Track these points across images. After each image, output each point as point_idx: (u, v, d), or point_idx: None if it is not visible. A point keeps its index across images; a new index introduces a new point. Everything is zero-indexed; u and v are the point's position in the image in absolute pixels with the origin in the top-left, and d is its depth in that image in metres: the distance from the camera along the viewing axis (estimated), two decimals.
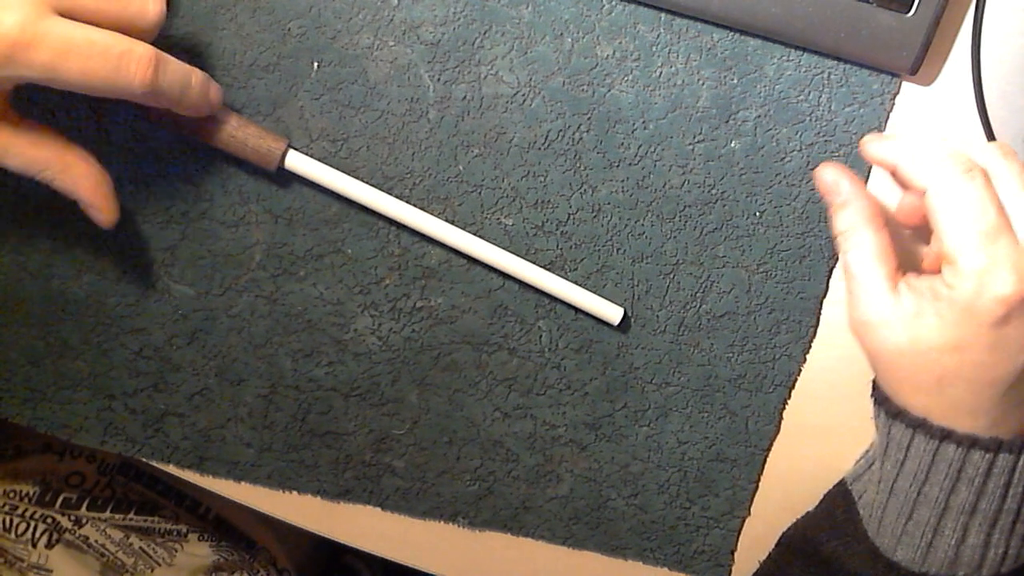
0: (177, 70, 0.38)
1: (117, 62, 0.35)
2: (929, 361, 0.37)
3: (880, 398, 0.41)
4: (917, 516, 0.39)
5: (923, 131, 0.45)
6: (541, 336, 0.46)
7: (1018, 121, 0.44)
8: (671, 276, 0.45)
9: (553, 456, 0.48)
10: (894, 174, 0.40)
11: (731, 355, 0.46)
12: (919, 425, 0.39)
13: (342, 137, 0.44)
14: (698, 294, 0.46)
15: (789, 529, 0.47)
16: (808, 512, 0.46)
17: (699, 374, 0.47)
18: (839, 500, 0.44)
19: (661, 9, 0.43)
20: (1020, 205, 0.37)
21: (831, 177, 0.40)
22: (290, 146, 0.43)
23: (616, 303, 0.45)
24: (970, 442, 0.38)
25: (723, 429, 0.47)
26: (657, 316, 0.46)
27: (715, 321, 0.46)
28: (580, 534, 0.49)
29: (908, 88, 0.44)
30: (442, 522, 0.49)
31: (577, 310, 0.46)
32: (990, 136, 0.44)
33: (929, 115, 0.44)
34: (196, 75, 0.39)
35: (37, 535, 0.60)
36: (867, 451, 0.45)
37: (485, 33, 0.43)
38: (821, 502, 0.46)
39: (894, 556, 0.40)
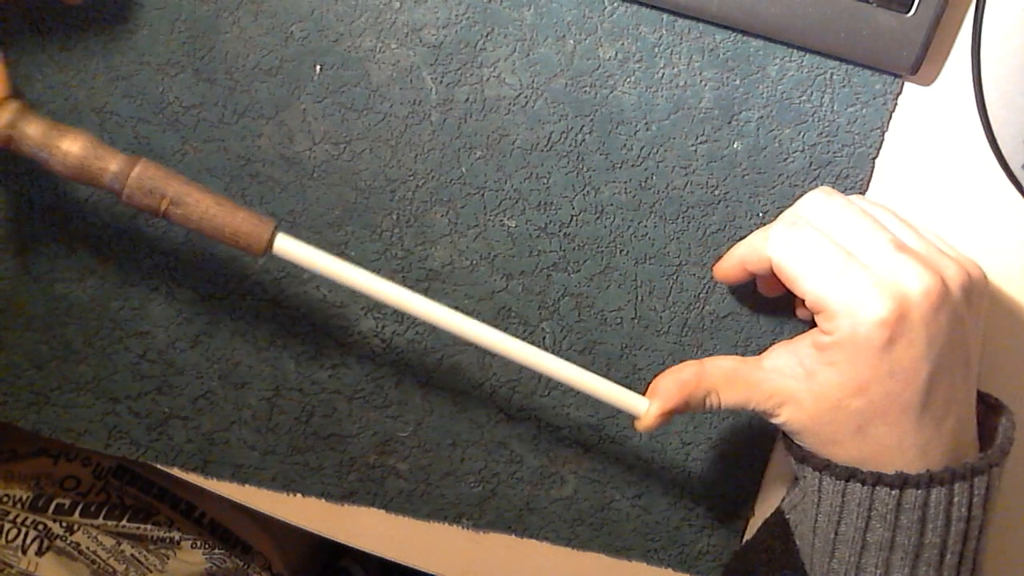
0: None
1: None
2: (841, 414, 0.38)
3: (787, 445, 0.41)
4: (839, 554, 0.39)
5: (923, 131, 0.45)
6: (545, 338, 0.46)
7: (1018, 121, 0.44)
8: (674, 277, 0.45)
9: (557, 458, 0.48)
10: (747, 272, 0.42)
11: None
12: (825, 467, 0.39)
13: (344, 140, 0.44)
14: (701, 295, 0.46)
15: (732, 560, 0.47)
16: (748, 541, 0.46)
17: None
18: (777, 531, 0.43)
19: (663, 9, 0.43)
20: (851, 231, 0.38)
21: (666, 411, 0.39)
22: (276, 229, 0.38)
23: (621, 304, 0.45)
24: (874, 479, 0.37)
25: (726, 430, 0.47)
26: (660, 317, 0.46)
27: (718, 322, 0.46)
28: (584, 535, 0.49)
29: (908, 88, 0.44)
30: (446, 524, 0.49)
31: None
32: (990, 136, 0.44)
33: (929, 115, 0.44)
34: None
35: (27, 542, 0.60)
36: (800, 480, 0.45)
37: (487, 35, 0.43)
38: (759, 531, 0.45)
39: None
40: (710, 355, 0.46)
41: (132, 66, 0.43)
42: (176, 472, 0.48)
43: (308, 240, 0.45)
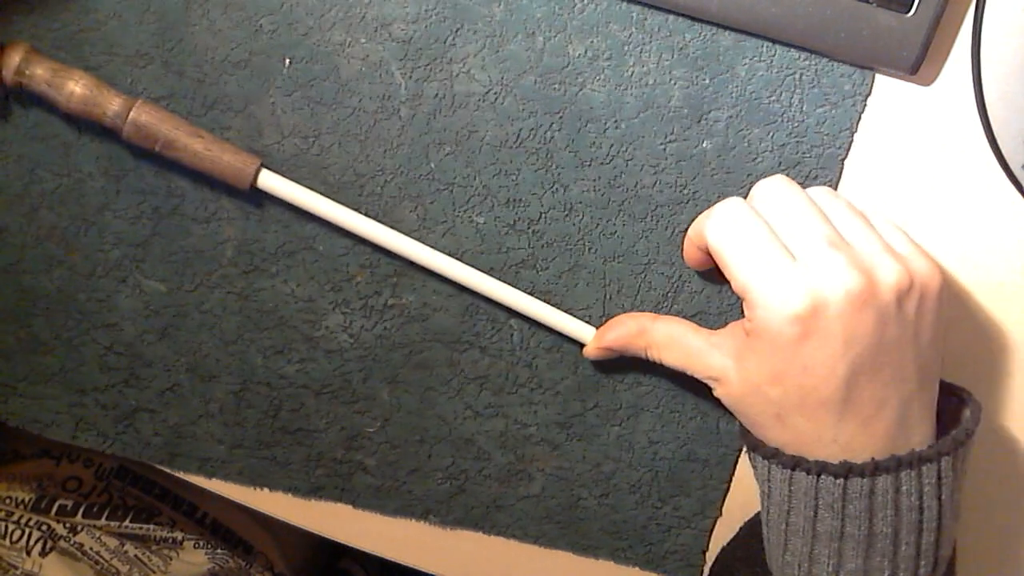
0: None
1: None
2: (761, 399, 0.38)
3: (741, 432, 0.42)
4: (791, 546, 0.39)
5: (923, 131, 0.44)
6: (513, 335, 0.46)
7: (1018, 121, 0.44)
8: (643, 276, 0.45)
9: (525, 455, 0.48)
10: (700, 252, 0.42)
11: None
12: (773, 456, 0.39)
13: (313, 134, 0.44)
14: (670, 294, 0.46)
15: (715, 560, 0.47)
16: (731, 540, 0.46)
17: (671, 374, 0.47)
18: (757, 530, 0.43)
19: (664, 9, 0.42)
20: (791, 222, 0.38)
21: (599, 349, 0.44)
22: (263, 165, 0.43)
23: (589, 303, 0.45)
24: (819, 468, 0.37)
25: (695, 429, 0.47)
26: None
27: (688, 320, 0.46)
28: (552, 533, 0.49)
29: (908, 88, 0.44)
30: (413, 520, 0.49)
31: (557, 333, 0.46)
32: (990, 136, 0.44)
33: (929, 115, 0.44)
34: None
35: (31, 542, 0.60)
36: None
37: (457, 31, 0.43)
38: (740, 531, 0.45)
39: None
40: None
41: (101, 57, 0.43)
42: (145, 461, 0.48)
43: (276, 233, 0.45)
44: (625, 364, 0.46)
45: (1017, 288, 0.46)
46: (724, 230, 0.38)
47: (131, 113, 0.41)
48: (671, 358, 0.42)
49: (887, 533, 0.37)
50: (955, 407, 0.41)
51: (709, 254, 0.41)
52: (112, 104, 0.41)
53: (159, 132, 0.41)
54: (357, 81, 0.43)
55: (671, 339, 0.42)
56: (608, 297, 0.46)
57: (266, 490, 0.48)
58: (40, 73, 0.40)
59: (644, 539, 0.49)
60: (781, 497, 0.39)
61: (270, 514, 0.49)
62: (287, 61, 0.43)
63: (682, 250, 0.45)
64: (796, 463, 0.38)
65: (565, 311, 0.45)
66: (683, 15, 0.42)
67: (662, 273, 0.45)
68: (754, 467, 0.41)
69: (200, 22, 0.43)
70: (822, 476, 0.37)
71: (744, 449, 0.46)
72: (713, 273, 0.45)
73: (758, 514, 0.44)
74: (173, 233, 0.45)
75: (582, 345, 0.46)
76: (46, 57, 0.41)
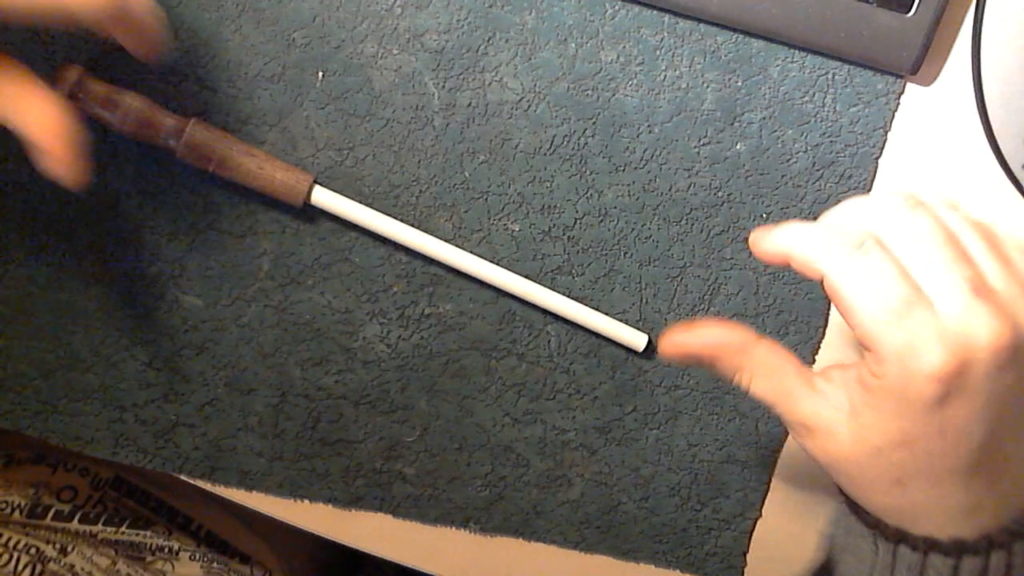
0: None
1: None
2: (881, 463, 0.34)
3: (853, 507, 0.38)
4: None
5: (923, 131, 0.45)
6: (550, 341, 0.46)
7: (1018, 121, 0.44)
8: (679, 279, 0.45)
9: (563, 461, 0.48)
10: (786, 264, 0.35)
11: None
12: (875, 526, 0.36)
13: (348, 146, 0.44)
14: (706, 297, 0.46)
15: None
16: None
17: (708, 377, 0.47)
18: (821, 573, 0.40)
19: (663, 9, 0.43)
20: (928, 262, 0.32)
21: (684, 343, 0.37)
22: (315, 182, 0.43)
23: (625, 307, 0.46)
24: (928, 545, 0.34)
25: (733, 431, 0.47)
26: (665, 319, 0.46)
27: None
28: (592, 538, 0.49)
29: (908, 88, 0.44)
30: (453, 528, 0.49)
31: (600, 337, 0.46)
32: (990, 136, 0.44)
33: (929, 115, 0.44)
34: None
35: (20, 567, 0.60)
36: (836, 518, 0.41)
37: (489, 40, 0.43)
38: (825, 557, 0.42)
39: None
40: None
41: (135, 75, 0.43)
42: (184, 478, 0.48)
43: (312, 245, 0.45)
44: (663, 367, 0.46)
45: None
46: (848, 270, 0.33)
47: (185, 133, 0.41)
48: (763, 389, 0.36)
49: None
50: None
51: (789, 265, 0.36)
52: (166, 123, 0.41)
53: (213, 151, 0.41)
54: (390, 92, 0.43)
55: (770, 369, 0.36)
56: (644, 301, 0.46)
57: (306, 502, 0.48)
58: (94, 93, 0.40)
59: (684, 542, 0.49)
60: (884, 565, 0.35)
61: (309, 530, 0.49)
62: (320, 74, 0.43)
63: (760, 241, 0.36)
64: (901, 537, 0.35)
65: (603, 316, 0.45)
66: (683, 15, 0.42)
67: (698, 276, 0.45)
68: (856, 528, 0.37)
69: (233, 38, 0.43)
70: (930, 554, 0.34)
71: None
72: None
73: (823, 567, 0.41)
74: (210, 248, 0.45)
75: (622, 347, 0.46)
76: (99, 79, 0.41)
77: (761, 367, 0.36)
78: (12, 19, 0.32)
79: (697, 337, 0.37)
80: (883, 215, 0.34)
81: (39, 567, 0.59)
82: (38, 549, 0.60)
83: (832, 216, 0.35)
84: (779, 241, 0.35)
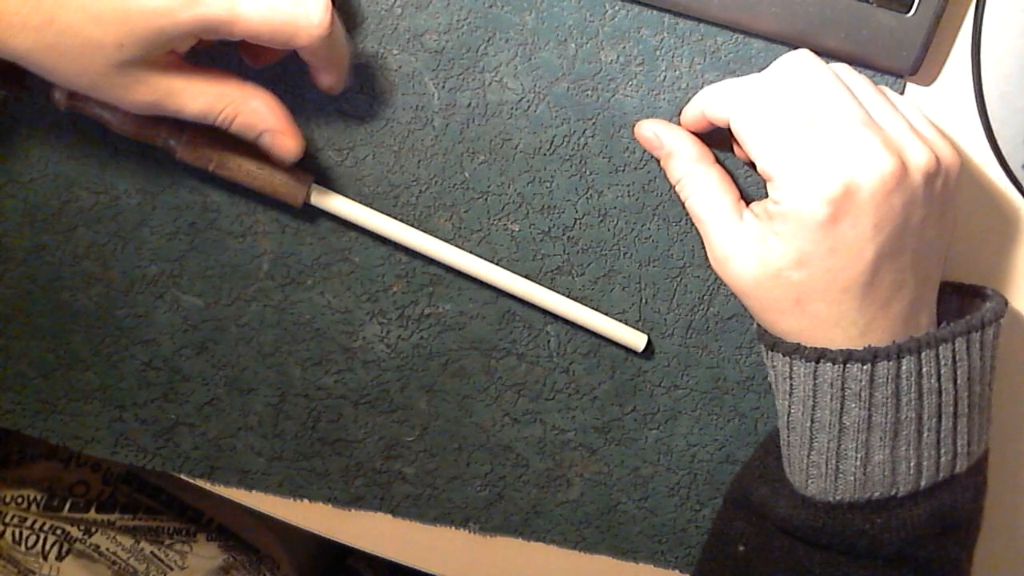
0: (339, 21, 0.38)
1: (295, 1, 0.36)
2: (781, 283, 0.37)
3: (759, 332, 0.41)
4: (817, 444, 0.38)
5: None
6: (549, 341, 0.46)
7: (1018, 121, 0.44)
8: (678, 279, 0.45)
9: (563, 461, 0.48)
10: (708, 123, 0.41)
11: (739, 357, 0.46)
12: (794, 351, 0.38)
13: (348, 146, 0.44)
14: (705, 297, 0.46)
15: (730, 483, 0.46)
16: (745, 463, 0.46)
17: (708, 376, 0.47)
18: (771, 447, 0.43)
19: (663, 10, 0.43)
20: (820, 100, 0.37)
21: (650, 131, 0.42)
22: (315, 182, 0.43)
23: (625, 307, 0.46)
24: (844, 356, 0.37)
25: (732, 431, 0.47)
26: (665, 319, 0.46)
27: (723, 323, 0.46)
28: (591, 538, 0.49)
29: (908, 88, 0.44)
30: (453, 528, 0.49)
31: (599, 337, 0.46)
32: (990, 136, 0.44)
33: (929, 115, 0.44)
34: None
35: (47, 547, 0.60)
36: None
37: (489, 40, 0.43)
38: (755, 451, 0.45)
39: (806, 491, 0.39)
40: (715, 357, 0.46)
41: None
42: (184, 478, 0.48)
43: (312, 245, 0.45)
44: (662, 368, 0.46)
45: (1018, 288, 0.46)
46: (748, 108, 0.37)
47: (185, 133, 0.40)
48: (698, 206, 0.40)
49: (911, 419, 0.37)
50: (978, 304, 0.41)
51: (709, 122, 0.41)
52: (166, 123, 0.40)
53: (213, 151, 0.41)
54: (390, 92, 0.43)
55: (712, 191, 0.40)
56: (644, 301, 0.46)
57: (306, 501, 0.48)
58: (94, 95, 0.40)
59: (683, 542, 0.49)
60: (805, 393, 0.38)
61: (308, 529, 0.49)
62: None
63: (684, 111, 0.43)
64: (820, 355, 0.37)
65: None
66: (683, 15, 0.42)
67: (697, 276, 0.45)
68: (772, 367, 0.40)
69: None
70: (848, 364, 0.37)
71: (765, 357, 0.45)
72: (710, 140, 0.43)
73: (770, 434, 0.44)
74: (210, 248, 0.45)
75: (621, 347, 0.46)
76: None
77: (704, 185, 0.40)
78: (237, 35, 0.36)
79: (663, 134, 0.42)
80: (779, 64, 0.38)
81: (65, 546, 0.60)
82: (64, 530, 0.61)
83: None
84: (694, 104, 0.41)
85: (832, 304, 0.37)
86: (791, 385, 0.39)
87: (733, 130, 0.38)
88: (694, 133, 0.42)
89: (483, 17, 0.43)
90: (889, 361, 0.37)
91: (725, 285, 0.45)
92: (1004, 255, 0.46)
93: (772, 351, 0.40)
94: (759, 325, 0.41)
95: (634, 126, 0.43)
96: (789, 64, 0.38)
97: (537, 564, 0.50)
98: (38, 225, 0.45)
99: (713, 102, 0.40)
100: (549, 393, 0.47)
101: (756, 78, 0.39)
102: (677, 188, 0.42)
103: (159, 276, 0.45)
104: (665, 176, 0.44)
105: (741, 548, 0.42)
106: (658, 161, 0.43)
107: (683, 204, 0.42)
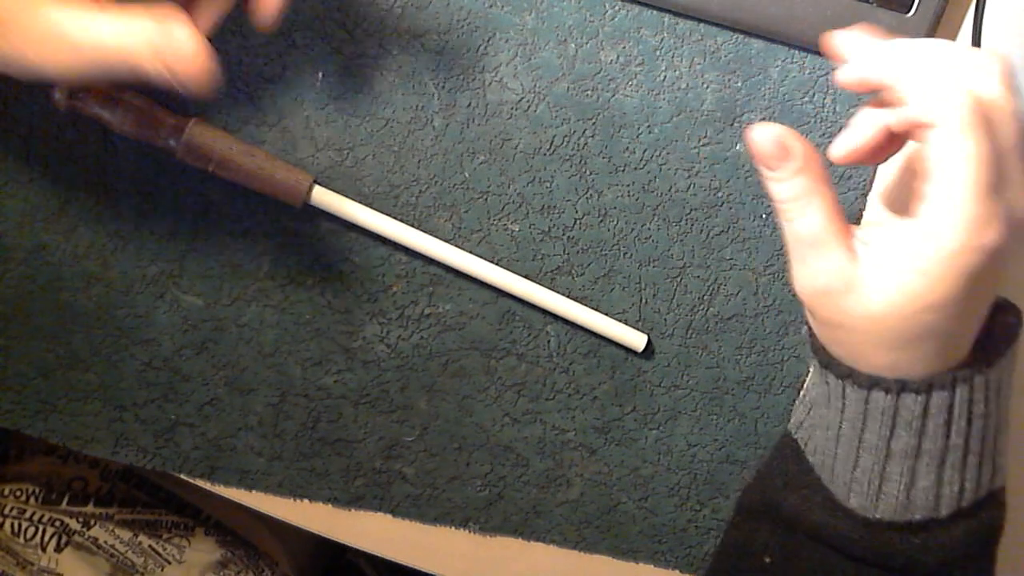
0: None
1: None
2: (908, 322, 0.34)
3: (813, 346, 0.38)
4: (862, 463, 0.37)
5: None
6: (549, 341, 0.46)
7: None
8: (678, 279, 0.45)
9: (563, 460, 0.48)
10: (861, 87, 0.34)
11: (739, 357, 0.46)
12: (847, 375, 0.36)
13: (348, 146, 0.44)
14: (705, 297, 0.46)
15: (746, 492, 0.44)
16: (759, 471, 0.44)
17: (708, 377, 0.47)
18: (788, 453, 0.42)
19: (663, 10, 0.43)
20: (1011, 149, 0.33)
21: (774, 138, 0.35)
22: (316, 182, 0.43)
23: (625, 307, 0.46)
24: (899, 387, 0.35)
25: (732, 431, 0.47)
26: (665, 319, 0.46)
27: (723, 324, 0.46)
28: (591, 538, 0.49)
29: None
30: (453, 528, 0.49)
31: (599, 337, 0.46)
32: None
33: None
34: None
35: (46, 539, 0.60)
36: (803, 396, 0.43)
37: (489, 40, 0.43)
38: (771, 458, 0.43)
39: (848, 503, 0.38)
40: (715, 357, 0.46)
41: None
42: (183, 478, 0.48)
43: (312, 245, 0.45)
44: (662, 368, 0.46)
45: (1018, 289, 0.46)
46: (966, 138, 0.32)
47: (185, 133, 0.41)
48: (801, 221, 0.35)
49: (959, 445, 0.36)
50: (998, 316, 0.39)
51: (885, 131, 0.35)
52: (166, 123, 0.41)
53: (213, 151, 0.41)
54: (390, 92, 0.44)
55: (824, 212, 0.35)
56: (644, 301, 0.46)
57: (306, 501, 0.48)
58: (94, 93, 0.40)
59: (683, 542, 0.49)
60: (855, 414, 0.37)
61: (307, 529, 0.49)
62: (320, 75, 0.43)
63: (849, 76, 0.35)
64: (874, 383, 0.36)
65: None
66: (683, 15, 0.42)
67: (697, 276, 0.45)
68: (825, 383, 0.38)
69: (233, 39, 0.43)
70: (902, 395, 0.36)
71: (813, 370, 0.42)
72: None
73: (782, 439, 0.42)
74: (210, 248, 0.45)
75: (621, 347, 0.46)
76: None
77: (820, 210, 0.35)
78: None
79: (794, 146, 0.35)
80: (991, 84, 0.33)
81: (64, 539, 0.60)
82: (62, 522, 0.61)
83: (915, 46, 0.33)
84: (887, 66, 0.34)
85: (942, 345, 0.35)
86: (843, 404, 0.38)
87: (931, 139, 0.32)
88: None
89: (483, 17, 0.43)
90: (944, 391, 0.35)
91: (725, 285, 0.46)
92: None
93: (826, 368, 0.38)
94: (814, 338, 0.38)
95: (751, 129, 0.35)
96: (1000, 90, 0.33)
97: (537, 564, 0.50)
98: (38, 225, 0.45)
99: (922, 95, 0.33)
100: (549, 393, 0.47)
101: (975, 101, 0.32)
102: (787, 206, 0.35)
103: (159, 276, 0.45)
104: (668, 177, 0.44)
105: (767, 560, 0.41)
106: (761, 168, 0.36)
107: (783, 224, 0.36)
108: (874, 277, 0.34)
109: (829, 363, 0.38)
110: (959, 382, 0.35)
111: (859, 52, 0.35)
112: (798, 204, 0.35)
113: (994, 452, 0.37)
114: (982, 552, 0.38)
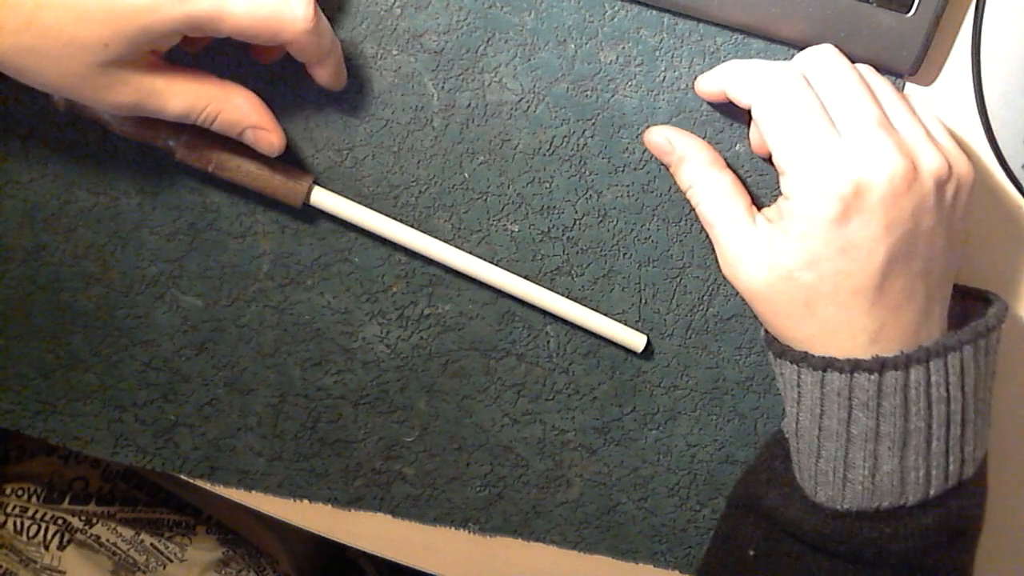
0: (323, 16, 0.38)
1: None
2: (791, 286, 0.37)
3: (767, 340, 0.41)
4: (825, 452, 0.38)
5: None
6: (549, 341, 0.46)
7: (1018, 121, 0.44)
8: (678, 280, 0.45)
9: (563, 461, 0.48)
10: (726, 99, 0.41)
11: (739, 357, 0.46)
12: (801, 359, 0.38)
13: (347, 147, 0.44)
14: (705, 297, 0.46)
15: (736, 486, 0.46)
16: (750, 466, 0.45)
17: (707, 377, 0.47)
18: (776, 450, 0.43)
19: (663, 10, 0.43)
20: (841, 98, 0.37)
21: (661, 137, 0.42)
22: (315, 182, 0.43)
23: (624, 308, 0.46)
24: (852, 366, 0.37)
25: (732, 431, 0.47)
26: (664, 320, 0.46)
27: (722, 324, 0.46)
28: (591, 538, 0.49)
29: (908, 88, 0.44)
30: (452, 528, 0.49)
31: (599, 337, 0.46)
32: (990, 136, 0.44)
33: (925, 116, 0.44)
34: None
35: (49, 537, 0.60)
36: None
37: (488, 40, 0.43)
38: (760, 454, 0.45)
39: (816, 498, 0.39)
40: (715, 357, 0.46)
41: None
42: (183, 478, 0.48)
43: (311, 246, 0.45)
44: (662, 369, 0.46)
45: (1018, 289, 0.46)
46: (772, 98, 0.37)
47: (185, 133, 0.41)
48: (710, 211, 0.40)
49: (920, 428, 0.37)
50: (981, 308, 0.41)
51: (727, 100, 0.41)
52: (166, 124, 0.40)
53: (213, 151, 0.41)
54: (389, 93, 0.44)
55: (723, 195, 0.40)
56: (643, 302, 0.46)
57: (306, 502, 0.48)
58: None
59: (683, 542, 0.49)
60: (812, 401, 0.38)
61: (308, 529, 0.49)
62: None
63: (702, 81, 0.42)
64: (827, 364, 0.37)
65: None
66: (682, 15, 0.42)
67: (697, 277, 0.45)
68: (781, 375, 0.40)
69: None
70: (855, 374, 0.37)
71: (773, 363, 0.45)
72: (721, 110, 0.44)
73: (775, 435, 0.43)
74: (209, 248, 0.45)
75: (621, 348, 0.46)
76: None
77: (716, 189, 0.40)
78: (223, 31, 0.36)
79: (675, 139, 0.42)
80: (805, 56, 0.39)
81: (67, 536, 0.60)
82: (65, 520, 0.61)
83: (764, 62, 0.40)
84: (718, 77, 0.41)
85: (842, 308, 0.37)
86: (799, 393, 0.39)
87: (755, 117, 0.38)
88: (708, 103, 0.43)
89: (483, 17, 0.43)
90: (897, 371, 0.36)
91: (725, 285, 0.46)
92: (1004, 255, 0.46)
93: (780, 359, 0.40)
94: (767, 332, 0.41)
95: (644, 132, 0.43)
96: (814, 58, 0.38)
97: (537, 564, 0.50)
98: (38, 225, 0.45)
99: (737, 84, 0.40)
100: (549, 393, 0.47)
101: (781, 67, 0.38)
102: (688, 194, 0.42)
103: (159, 276, 0.45)
104: (668, 177, 0.44)
105: (751, 553, 0.42)
106: (666, 166, 0.43)
107: (694, 209, 0.42)
108: (761, 246, 0.38)
109: (783, 351, 0.39)
110: (913, 362, 0.37)
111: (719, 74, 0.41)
112: (693, 191, 0.41)
113: (962, 441, 0.38)
114: (953, 542, 0.38)
